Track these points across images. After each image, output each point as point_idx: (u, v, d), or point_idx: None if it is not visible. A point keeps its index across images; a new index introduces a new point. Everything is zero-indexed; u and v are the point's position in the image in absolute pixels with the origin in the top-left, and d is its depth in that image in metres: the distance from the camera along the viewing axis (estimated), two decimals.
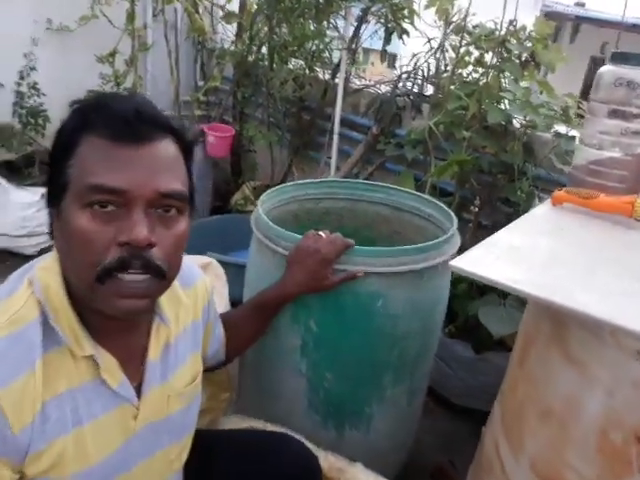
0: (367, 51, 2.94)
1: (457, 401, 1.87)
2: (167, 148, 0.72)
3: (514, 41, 1.84)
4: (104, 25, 2.85)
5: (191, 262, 0.94)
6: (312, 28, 2.46)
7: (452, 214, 1.38)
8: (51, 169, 0.72)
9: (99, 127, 0.68)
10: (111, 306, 0.70)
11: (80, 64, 3.02)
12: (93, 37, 2.93)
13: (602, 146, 1.03)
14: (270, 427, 1.21)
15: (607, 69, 1.03)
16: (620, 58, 1.01)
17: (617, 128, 1.00)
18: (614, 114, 1.00)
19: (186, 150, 0.76)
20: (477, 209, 1.92)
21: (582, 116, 1.77)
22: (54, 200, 0.71)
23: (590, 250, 0.86)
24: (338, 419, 1.30)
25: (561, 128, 1.86)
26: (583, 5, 8.47)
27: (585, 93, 2.08)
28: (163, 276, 0.72)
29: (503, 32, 1.83)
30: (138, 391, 0.80)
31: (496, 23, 1.90)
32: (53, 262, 0.74)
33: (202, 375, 0.97)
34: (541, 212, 1.00)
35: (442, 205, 1.44)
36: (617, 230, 0.95)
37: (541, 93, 1.91)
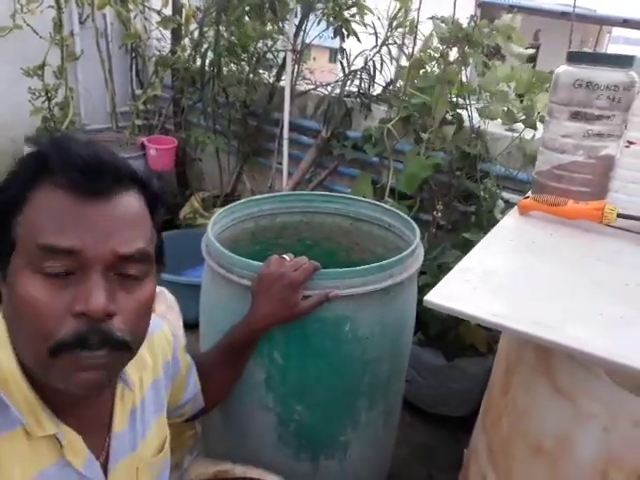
0: (310, 47, 2.85)
1: (430, 409, 1.83)
2: (130, 202, 0.63)
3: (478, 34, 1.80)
4: (28, 35, 2.65)
5: None
6: (255, 29, 2.35)
7: (414, 224, 1.32)
8: None
9: (57, 175, 0.59)
10: (68, 382, 0.60)
11: (4, 78, 2.80)
12: (16, 48, 2.72)
13: (565, 150, 0.98)
14: (239, 468, 1.13)
15: (564, 70, 0.98)
16: (576, 58, 0.96)
17: (580, 130, 0.95)
18: (575, 116, 0.95)
19: (152, 203, 0.67)
20: (438, 213, 1.87)
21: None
22: (0, 262, 0.62)
23: (568, 269, 0.81)
24: (312, 451, 1.22)
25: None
26: None
27: None
28: (127, 348, 0.63)
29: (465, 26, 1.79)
30: (104, 467, 0.71)
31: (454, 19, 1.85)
32: (0, 328, 0.64)
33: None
34: (509, 223, 0.95)
35: (403, 215, 1.38)
36: (589, 239, 0.91)
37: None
